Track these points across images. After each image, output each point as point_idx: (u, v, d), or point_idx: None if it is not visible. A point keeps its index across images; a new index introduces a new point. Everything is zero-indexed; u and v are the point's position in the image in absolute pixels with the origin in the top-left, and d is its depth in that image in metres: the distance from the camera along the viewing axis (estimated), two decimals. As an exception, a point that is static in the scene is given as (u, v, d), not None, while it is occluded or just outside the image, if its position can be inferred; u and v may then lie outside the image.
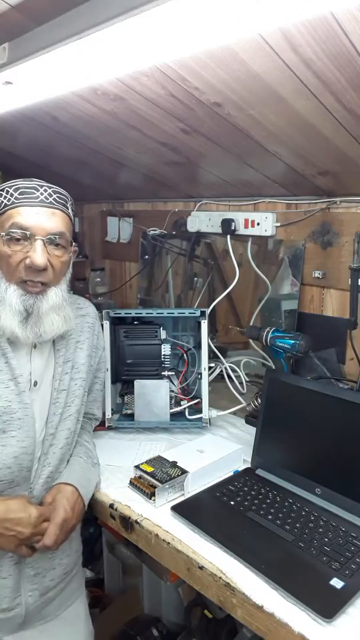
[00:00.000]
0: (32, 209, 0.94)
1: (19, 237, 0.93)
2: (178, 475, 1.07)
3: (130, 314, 1.43)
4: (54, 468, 1.02)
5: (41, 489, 1.00)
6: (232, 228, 1.64)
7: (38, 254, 0.92)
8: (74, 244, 1.02)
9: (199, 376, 1.41)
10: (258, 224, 1.60)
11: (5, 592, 0.96)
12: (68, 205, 0.99)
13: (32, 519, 0.90)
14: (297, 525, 0.94)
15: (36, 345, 1.02)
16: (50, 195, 0.96)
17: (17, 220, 0.93)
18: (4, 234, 0.93)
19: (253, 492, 1.05)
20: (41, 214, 0.94)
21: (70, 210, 1.00)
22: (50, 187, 0.97)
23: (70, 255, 1.01)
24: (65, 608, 1.09)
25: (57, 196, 0.97)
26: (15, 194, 0.94)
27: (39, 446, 1.00)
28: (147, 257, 2.09)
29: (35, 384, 1.01)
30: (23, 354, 1.00)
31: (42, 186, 0.96)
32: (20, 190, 0.94)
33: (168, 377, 1.41)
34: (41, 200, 0.94)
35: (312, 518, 0.96)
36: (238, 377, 1.64)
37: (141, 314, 1.43)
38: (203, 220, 1.76)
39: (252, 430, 1.29)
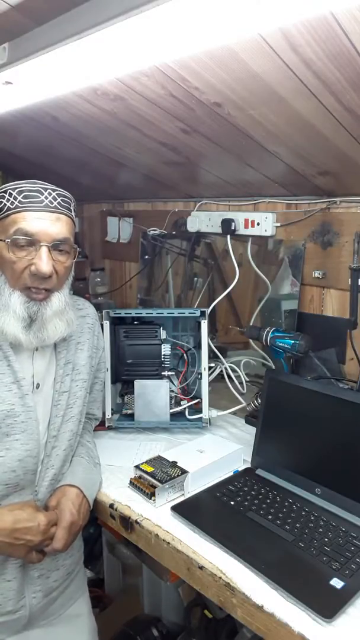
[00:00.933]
0: (36, 214, 0.92)
1: (23, 243, 0.92)
2: (178, 475, 1.07)
3: (130, 314, 1.43)
4: (58, 470, 1.02)
5: (46, 491, 1.00)
6: (232, 228, 1.64)
7: (44, 262, 0.91)
8: (76, 246, 1.01)
9: (199, 376, 1.41)
10: (258, 224, 1.60)
11: (10, 595, 0.96)
12: (72, 208, 0.98)
13: (41, 527, 0.90)
14: (297, 525, 0.94)
15: (38, 348, 1.01)
16: (54, 199, 0.94)
17: (22, 226, 0.91)
18: (8, 240, 0.92)
19: (253, 492, 1.05)
20: (46, 219, 0.93)
21: (73, 214, 0.99)
22: (54, 190, 0.95)
23: (73, 260, 1.00)
24: (68, 607, 1.09)
25: (61, 200, 0.95)
26: (19, 198, 0.92)
27: (42, 449, 0.99)
28: (147, 257, 2.09)
29: (38, 386, 1.00)
30: (25, 356, 1.00)
31: (46, 189, 0.94)
32: (24, 194, 0.92)
33: (168, 377, 1.41)
34: (46, 204, 0.93)
35: (312, 518, 0.96)
36: (238, 377, 1.64)
37: (141, 314, 1.43)
38: (203, 220, 1.76)
39: (252, 430, 1.29)
